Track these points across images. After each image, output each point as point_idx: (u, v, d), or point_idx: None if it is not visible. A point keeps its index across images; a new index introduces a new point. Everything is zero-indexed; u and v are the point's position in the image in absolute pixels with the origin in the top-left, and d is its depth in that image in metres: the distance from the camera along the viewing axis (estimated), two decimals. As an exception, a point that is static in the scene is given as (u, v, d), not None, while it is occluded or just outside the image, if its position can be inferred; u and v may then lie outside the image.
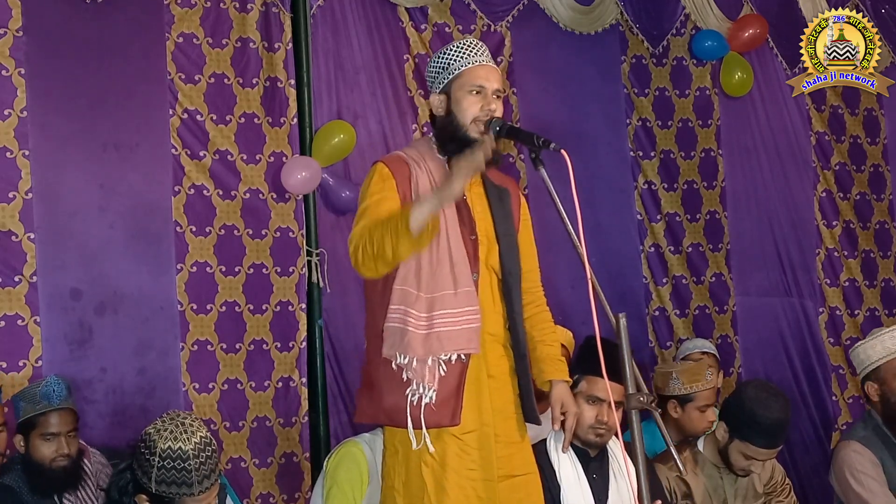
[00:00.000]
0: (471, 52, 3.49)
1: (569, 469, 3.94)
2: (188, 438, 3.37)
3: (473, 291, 3.41)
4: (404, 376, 3.36)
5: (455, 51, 3.50)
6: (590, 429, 3.95)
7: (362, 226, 3.36)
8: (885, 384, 4.58)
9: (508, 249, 3.55)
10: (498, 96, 3.49)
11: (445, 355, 3.36)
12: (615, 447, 4.06)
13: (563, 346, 4.86)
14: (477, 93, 3.46)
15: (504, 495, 3.46)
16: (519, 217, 3.65)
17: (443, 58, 3.51)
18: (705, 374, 4.72)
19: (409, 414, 3.35)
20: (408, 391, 3.36)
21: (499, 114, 3.46)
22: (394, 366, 3.37)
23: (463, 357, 3.39)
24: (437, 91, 3.51)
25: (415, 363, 3.34)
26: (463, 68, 3.47)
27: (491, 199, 3.57)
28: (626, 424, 3.34)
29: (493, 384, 3.48)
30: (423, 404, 3.35)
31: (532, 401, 3.57)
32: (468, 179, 3.31)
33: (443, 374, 3.36)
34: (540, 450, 3.99)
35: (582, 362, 4.05)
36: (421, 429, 3.36)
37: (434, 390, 3.35)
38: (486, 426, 3.45)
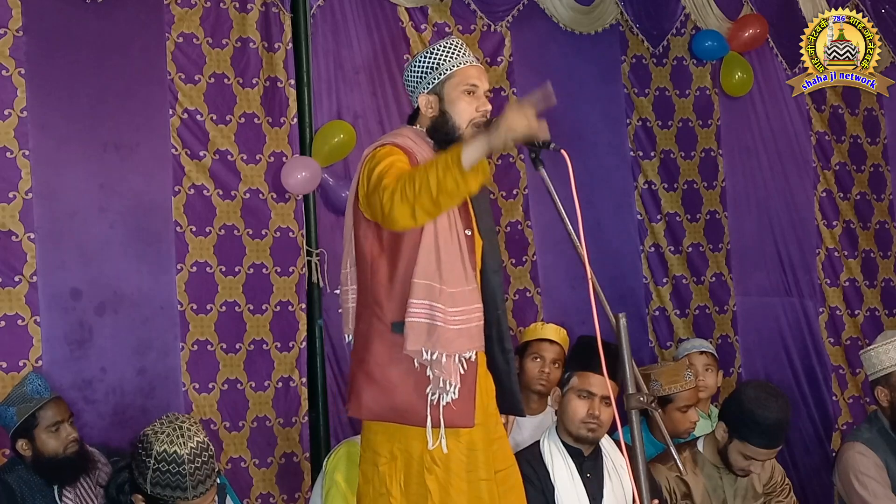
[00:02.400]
0: (461, 52, 3.49)
1: (563, 469, 3.95)
2: (184, 443, 3.38)
3: (477, 289, 3.43)
4: (428, 373, 3.33)
5: (444, 51, 3.49)
6: (581, 423, 3.96)
7: (396, 174, 3.24)
8: (895, 391, 4.60)
9: (492, 247, 3.57)
10: (488, 97, 3.50)
11: (468, 353, 3.36)
12: (609, 446, 4.07)
13: (558, 343, 4.88)
14: (471, 93, 3.46)
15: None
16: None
17: (430, 58, 3.49)
18: (684, 376, 4.71)
19: (429, 413, 3.33)
20: (428, 390, 3.34)
21: (488, 108, 3.48)
22: (416, 363, 3.35)
23: (475, 356, 3.40)
24: (426, 91, 3.48)
25: (444, 359, 3.32)
26: (455, 68, 3.47)
27: (478, 197, 3.57)
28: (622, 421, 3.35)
29: (482, 382, 3.50)
30: (442, 404, 3.33)
31: (519, 394, 3.60)
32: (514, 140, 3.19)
33: (463, 372, 3.35)
34: (534, 451, 4.01)
35: (574, 359, 4.06)
36: (439, 427, 3.34)
37: (458, 388, 3.33)
38: (485, 426, 3.47)
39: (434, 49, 3.50)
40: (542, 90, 3.18)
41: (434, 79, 3.47)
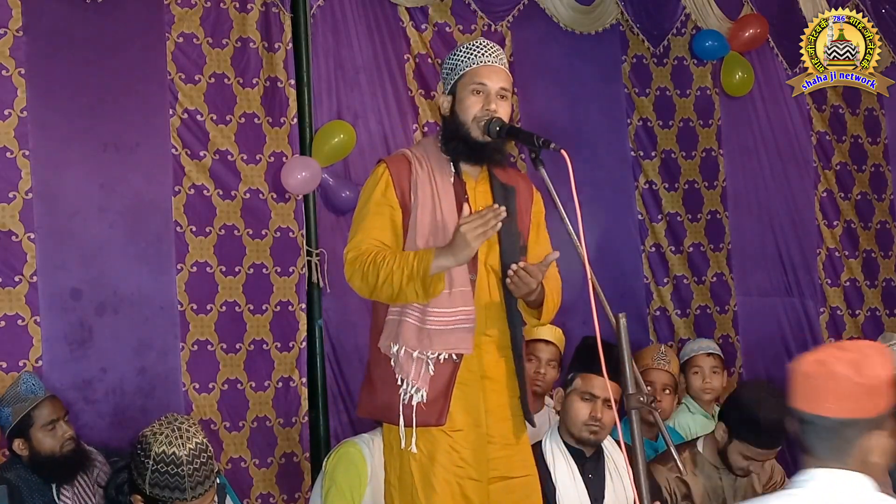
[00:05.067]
0: (477, 52, 3.50)
1: (564, 469, 3.94)
2: (183, 444, 3.37)
3: (469, 292, 3.41)
4: (396, 374, 3.38)
5: (463, 51, 3.52)
6: (584, 426, 3.94)
7: (362, 248, 3.37)
8: None
9: (510, 250, 3.54)
10: (503, 96, 3.49)
11: (434, 353, 3.37)
12: (611, 447, 4.06)
13: (554, 343, 4.87)
14: (478, 92, 3.46)
15: (500, 497, 3.46)
16: (529, 214, 3.65)
17: (452, 59, 3.54)
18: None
19: (401, 412, 3.38)
20: (401, 390, 3.38)
21: (503, 113, 3.46)
22: (392, 363, 3.39)
23: (455, 357, 3.40)
24: (446, 92, 3.53)
25: (402, 353, 3.36)
26: (468, 68, 3.49)
27: (496, 199, 3.56)
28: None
29: (488, 385, 3.48)
30: (413, 403, 3.37)
31: (527, 402, 3.58)
32: (480, 243, 3.25)
33: (431, 373, 3.37)
34: (535, 452, 3.99)
35: (578, 360, 4.05)
36: (411, 426, 3.37)
37: (424, 391, 3.36)
38: (479, 427, 3.45)
39: (455, 51, 3.56)
40: (493, 209, 3.23)
41: (451, 80, 3.51)
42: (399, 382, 3.38)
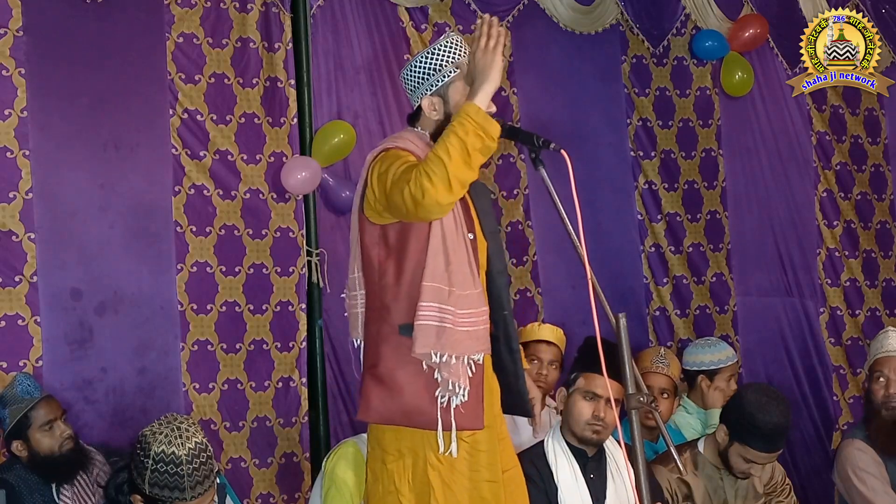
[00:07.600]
0: (463, 51, 3.46)
1: (566, 469, 3.94)
2: (182, 444, 3.38)
3: (483, 291, 3.43)
4: (436, 376, 3.32)
5: (446, 51, 3.43)
6: (587, 425, 3.94)
7: (411, 167, 3.24)
8: (867, 380, 4.62)
9: (496, 248, 3.56)
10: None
11: (476, 356, 3.36)
12: (613, 447, 4.06)
13: (555, 344, 4.87)
14: None
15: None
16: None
17: (432, 58, 3.43)
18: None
19: (439, 417, 3.32)
20: (437, 392, 3.32)
21: (493, 110, 3.45)
22: (425, 366, 3.33)
23: (482, 358, 3.40)
24: (430, 93, 3.44)
25: (453, 361, 3.30)
26: (458, 70, 3.45)
27: (475, 196, 3.55)
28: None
29: (493, 385, 3.50)
30: (452, 407, 3.32)
31: (526, 395, 3.59)
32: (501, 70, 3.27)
33: (471, 374, 3.34)
34: (538, 451, 4.00)
35: (581, 360, 4.05)
36: (450, 431, 3.33)
37: (468, 390, 3.32)
38: (492, 428, 3.46)
39: (435, 49, 3.44)
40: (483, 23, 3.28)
41: (437, 81, 3.43)
42: (450, 387, 3.30)
